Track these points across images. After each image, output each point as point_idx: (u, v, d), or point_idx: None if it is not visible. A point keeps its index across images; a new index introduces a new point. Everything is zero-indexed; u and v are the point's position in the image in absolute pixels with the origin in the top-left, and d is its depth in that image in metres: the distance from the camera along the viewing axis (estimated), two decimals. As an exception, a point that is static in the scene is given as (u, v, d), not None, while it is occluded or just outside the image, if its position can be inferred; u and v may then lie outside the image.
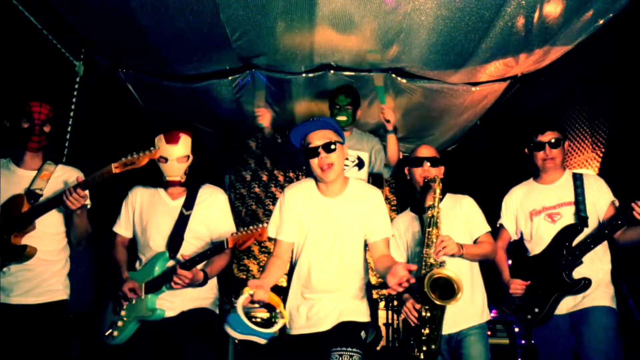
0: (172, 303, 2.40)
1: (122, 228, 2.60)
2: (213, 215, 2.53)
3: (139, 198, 2.58)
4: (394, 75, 4.11)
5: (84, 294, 2.39)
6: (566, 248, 2.51)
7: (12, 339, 2.26)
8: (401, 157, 5.99)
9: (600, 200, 2.57)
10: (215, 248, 2.30)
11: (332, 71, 4.05)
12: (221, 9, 3.11)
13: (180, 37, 3.43)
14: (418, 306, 2.38)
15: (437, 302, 2.23)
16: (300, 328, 2.29)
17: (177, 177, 2.44)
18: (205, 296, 2.50)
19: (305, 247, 2.33)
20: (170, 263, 2.42)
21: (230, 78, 4.14)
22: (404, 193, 6.05)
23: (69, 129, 3.51)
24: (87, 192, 2.33)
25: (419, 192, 2.67)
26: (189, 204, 2.48)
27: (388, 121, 3.36)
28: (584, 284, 2.44)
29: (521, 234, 2.78)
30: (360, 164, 3.46)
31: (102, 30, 3.48)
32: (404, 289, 1.96)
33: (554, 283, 2.51)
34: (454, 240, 2.39)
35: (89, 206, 2.52)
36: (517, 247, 2.84)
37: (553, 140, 2.64)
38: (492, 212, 3.05)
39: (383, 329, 4.73)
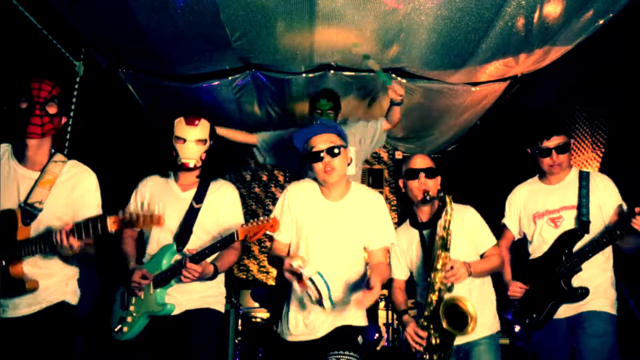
0: (177, 299, 2.34)
1: None
2: (223, 209, 2.46)
3: (149, 188, 2.49)
4: (394, 75, 4.11)
5: (85, 298, 2.33)
6: (565, 255, 2.46)
7: (15, 352, 2.04)
8: (401, 156, 5.98)
9: (607, 202, 2.47)
10: (225, 240, 2.25)
11: (332, 71, 4.05)
12: (221, 9, 3.11)
13: (180, 37, 3.43)
14: (422, 333, 2.27)
15: (450, 331, 2.15)
16: (297, 335, 2.25)
17: (193, 161, 2.38)
18: (211, 294, 2.42)
19: (301, 250, 2.26)
20: (178, 257, 2.35)
21: (230, 78, 4.14)
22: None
23: (68, 129, 3.50)
24: (82, 242, 1.94)
25: (416, 206, 2.54)
26: (199, 197, 2.40)
27: (401, 95, 3.11)
28: (581, 293, 2.38)
29: (524, 234, 2.73)
30: None
31: (102, 31, 3.48)
32: None
33: (552, 290, 2.46)
34: (460, 259, 2.27)
35: (92, 252, 2.24)
36: (518, 247, 2.79)
37: (560, 145, 2.52)
38: (492, 212, 3.04)
39: (383, 329, 4.73)
